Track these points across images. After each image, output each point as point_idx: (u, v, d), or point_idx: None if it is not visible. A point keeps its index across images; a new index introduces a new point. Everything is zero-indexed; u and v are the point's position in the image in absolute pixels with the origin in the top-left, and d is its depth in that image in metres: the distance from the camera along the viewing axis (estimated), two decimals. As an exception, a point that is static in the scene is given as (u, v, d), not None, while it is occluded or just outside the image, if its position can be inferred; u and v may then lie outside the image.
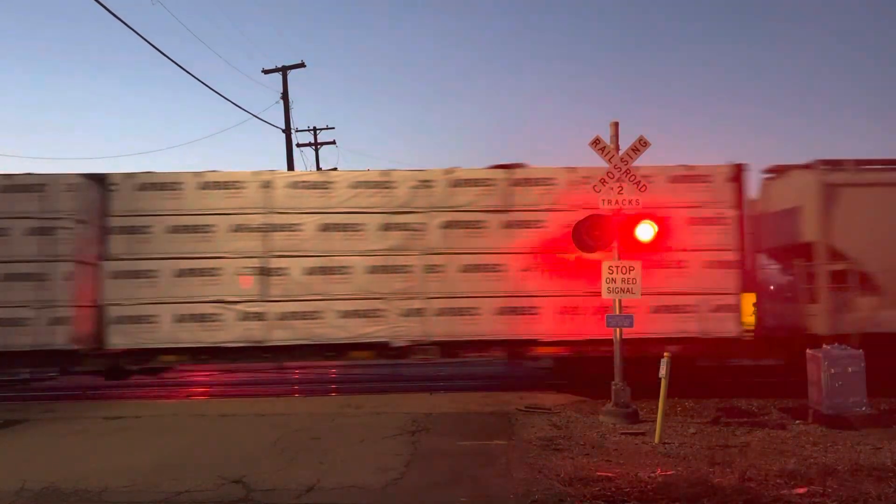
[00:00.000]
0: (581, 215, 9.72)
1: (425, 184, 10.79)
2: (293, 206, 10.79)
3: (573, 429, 8.33)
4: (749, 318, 10.67)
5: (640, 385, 9.17)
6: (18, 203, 10.69)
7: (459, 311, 10.61)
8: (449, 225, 10.75)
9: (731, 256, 10.52)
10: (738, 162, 10.84)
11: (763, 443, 7.58)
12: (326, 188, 10.84)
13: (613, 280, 8.87)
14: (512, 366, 13.18)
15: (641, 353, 9.72)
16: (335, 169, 23.11)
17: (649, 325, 10.18)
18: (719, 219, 10.58)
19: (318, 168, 27.89)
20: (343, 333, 10.59)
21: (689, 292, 10.52)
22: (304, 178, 11.15)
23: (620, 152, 9.01)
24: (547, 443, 7.56)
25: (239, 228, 10.72)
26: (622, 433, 8.09)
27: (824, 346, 8.66)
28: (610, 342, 9.16)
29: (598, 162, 9.29)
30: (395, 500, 5.79)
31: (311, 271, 10.67)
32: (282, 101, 25.34)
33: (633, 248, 9.05)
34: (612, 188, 8.95)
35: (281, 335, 10.59)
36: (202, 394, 12.49)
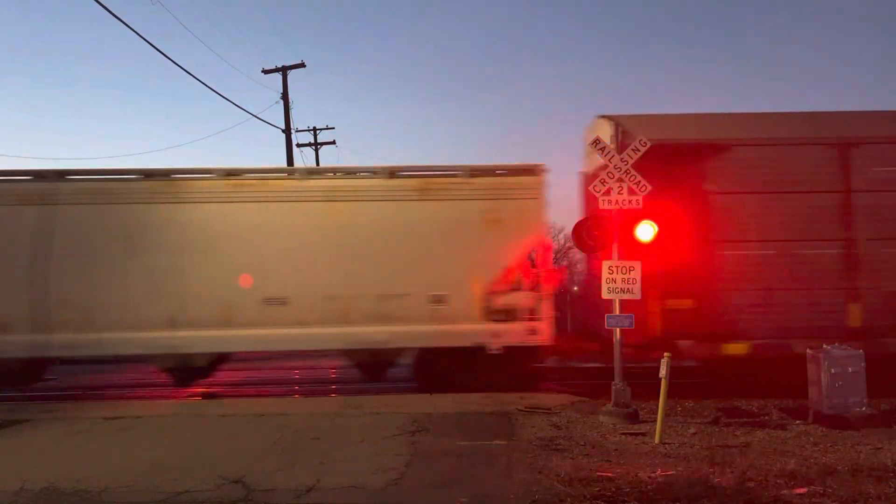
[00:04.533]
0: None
1: None
2: None
3: (573, 429, 8.32)
4: None
5: None
6: None
7: None
8: None
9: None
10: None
11: (763, 443, 7.58)
12: None
13: (613, 280, 8.87)
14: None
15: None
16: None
17: None
18: None
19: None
20: None
21: None
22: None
23: (621, 152, 9.02)
24: (547, 443, 7.56)
25: None
26: (622, 433, 8.09)
27: (825, 346, 8.66)
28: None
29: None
30: (396, 501, 5.78)
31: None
32: (282, 101, 25.37)
33: (633, 248, 9.06)
34: (611, 188, 8.96)
35: None
36: (202, 394, 12.48)
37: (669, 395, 7.96)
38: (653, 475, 6.25)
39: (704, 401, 10.05)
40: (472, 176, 11.46)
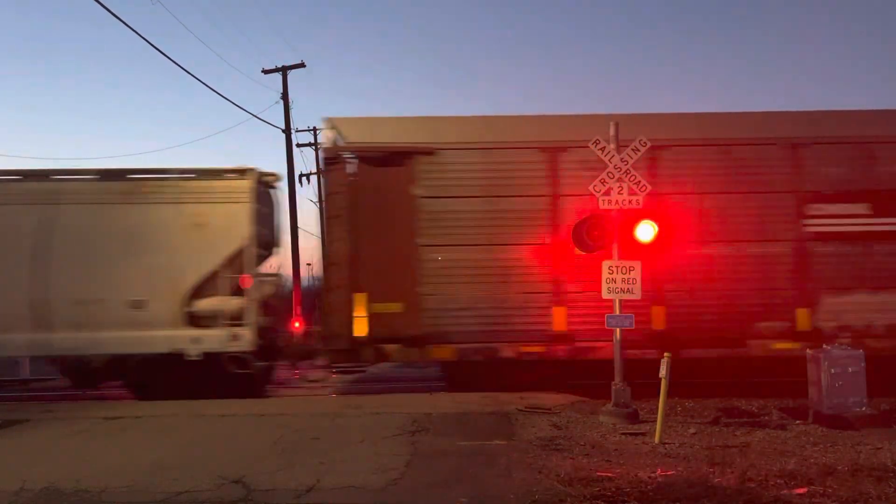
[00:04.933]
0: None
1: None
2: None
3: (573, 429, 8.32)
4: None
5: None
6: None
7: None
8: None
9: None
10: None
11: (763, 443, 7.58)
12: None
13: (613, 280, 8.86)
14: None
15: None
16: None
17: None
18: None
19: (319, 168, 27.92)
20: None
21: None
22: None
23: (621, 153, 9.01)
24: (547, 443, 7.56)
25: None
26: (622, 433, 8.09)
27: (824, 346, 8.66)
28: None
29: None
30: (396, 500, 5.78)
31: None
32: (282, 101, 25.35)
33: (633, 248, 9.05)
34: (611, 188, 8.95)
35: None
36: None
37: (669, 394, 7.96)
38: (653, 475, 6.25)
39: (704, 401, 10.04)
40: (182, 179, 11.40)
